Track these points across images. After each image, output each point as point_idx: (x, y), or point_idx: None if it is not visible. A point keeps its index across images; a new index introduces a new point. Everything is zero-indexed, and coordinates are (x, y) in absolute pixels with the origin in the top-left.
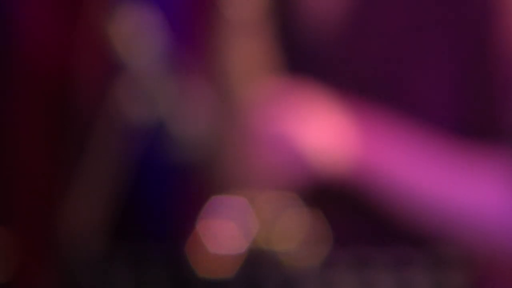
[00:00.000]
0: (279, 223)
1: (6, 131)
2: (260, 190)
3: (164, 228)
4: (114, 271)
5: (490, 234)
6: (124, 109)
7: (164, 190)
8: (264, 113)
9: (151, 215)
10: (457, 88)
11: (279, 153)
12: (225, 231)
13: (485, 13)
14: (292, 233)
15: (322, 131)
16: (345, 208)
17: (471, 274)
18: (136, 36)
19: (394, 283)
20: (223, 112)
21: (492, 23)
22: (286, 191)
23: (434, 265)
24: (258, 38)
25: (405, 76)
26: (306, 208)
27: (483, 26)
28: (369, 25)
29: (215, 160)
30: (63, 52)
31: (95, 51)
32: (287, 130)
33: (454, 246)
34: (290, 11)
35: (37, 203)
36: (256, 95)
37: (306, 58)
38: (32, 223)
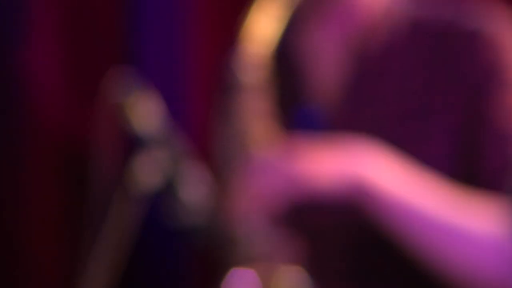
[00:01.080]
0: None
1: (21, 199)
2: (266, 262)
3: None
4: None
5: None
6: (136, 178)
7: (171, 262)
8: (267, 173)
9: (158, 284)
10: (453, 166)
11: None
12: None
13: (482, 95)
14: None
15: (326, 184)
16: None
17: None
18: (146, 108)
19: None
20: (226, 178)
21: (488, 104)
22: (290, 263)
23: None
24: (262, 100)
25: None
26: (309, 279)
27: (479, 107)
28: (365, 114)
29: (221, 229)
30: (79, 125)
31: (110, 124)
32: (292, 187)
33: None
34: (291, 80)
35: (50, 274)
36: (260, 155)
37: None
38: None
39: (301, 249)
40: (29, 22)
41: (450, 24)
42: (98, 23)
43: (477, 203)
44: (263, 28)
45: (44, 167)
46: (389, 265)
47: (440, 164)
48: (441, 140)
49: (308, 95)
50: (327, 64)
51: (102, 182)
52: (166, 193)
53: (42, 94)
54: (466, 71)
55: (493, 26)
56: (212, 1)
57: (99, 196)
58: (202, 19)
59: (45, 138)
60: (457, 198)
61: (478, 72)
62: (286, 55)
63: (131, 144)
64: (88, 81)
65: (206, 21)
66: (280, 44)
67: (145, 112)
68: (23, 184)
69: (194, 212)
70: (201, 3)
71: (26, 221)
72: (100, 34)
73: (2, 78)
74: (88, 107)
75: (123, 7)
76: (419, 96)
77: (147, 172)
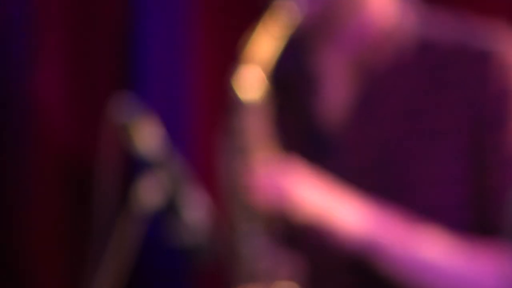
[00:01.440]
0: None
1: (25, 218)
2: (267, 279)
3: None
4: None
5: None
6: (139, 198)
7: (173, 281)
8: (270, 191)
9: None
10: (461, 188)
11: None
12: None
13: (491, 118)
14: None
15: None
16: None
17: None
18: (148, 130)
19: None
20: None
21: (498, 127)
22: (289, 279)
23: None
24: (264, 120)
25: (412, 178)
26: None
27: (488, 129)
28: (371, 133)
29: (222, 248)
30: (83, 147)
31: (113, 146)
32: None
33: None
34: (296, 98)
35: None
36: (263, 174)
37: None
38: None
39: (301, 264)
40: (36, 48)
41: (459, 45)
42: (102, 49)
43: (476, 249)
44: (265, 48)
45: (49, 186)
46: (388, 281)
47: (448, 186)
48: (448, 161)
49: (314, 114)
50: (334, 83)
51: (105, 202)
52: (168, 213)
53: (48, 116)
54: (475, 92)
55: (502, 48)
56: (213, 25)
57: (103, 216)
58: (203, 42)
59: (50, 158)
60: (457, 248)
61: (487, 94)
62: (290, 75)
63: (134, 165)
64: (92, 104)
65: (207, 44)
66: (283, 64)
67: (147, 134)
68: (28, 204)
69: (196, 231)
70: (202, 27)
71: (30, 240)
72: (104, 58)
73: (10, 101)
74: (92, 129)
75: (126, 33)
76: (426, 115)
77: (150, 192)
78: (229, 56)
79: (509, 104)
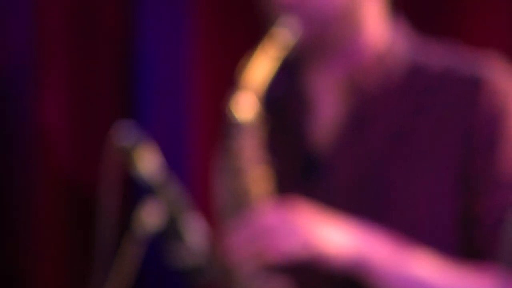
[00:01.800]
0: None
1: (29, 240)
2: None
3: None
4: None
5: None
6: (141, 220)
7: None
8: (278, 228)
9: None
10: (449, 209)
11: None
12: None
13: (481, 141)
14: None
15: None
16: None
17: None
18: (149, 155)
19: None
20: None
21: (487, 150)
22: None
23: None
24: (259, 143)
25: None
26: None
27: (478, 152)
28: (361, 155)
29: (221, 269)
30: (86, 172)
31: (116, 170)
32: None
33: None
34: (287, 121)
35: None
36: (257, 200)
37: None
38: None
39: (292, 285)
40: (39, 75)
41: (449, 70)
42: (104, 76)
43: (467, 269)
44: (260, 72)
45: (52, 210)
46: None
47: (435, 207)
48: (436, 183)
49: (306, 134)
50: (325, 104)
51: (107, 224)
52: (169, 235)
53: (51, 142)
54: (465, 116)
55: (492, 74)
56: (211, 52)
57: (105, 238)
58: (202, 70)
59: (53, 182)
60: (448, 269)
61: (476, 117)
62: (283, 96)
63: (135, 189)
64: (94, 130)
65: (206, 72)
66: (276, 86)
67: (148, 158)
68: (30, 228)
69: (195, 253)
70: (201, 55)
71: (33, 263)
72: (106, 85)
73: (14, 127)
74: (94, 154)
75: (127, 61)
76: (415, 137)
77: (151, 215)
78: (227, 83)
79: (498, 127)
